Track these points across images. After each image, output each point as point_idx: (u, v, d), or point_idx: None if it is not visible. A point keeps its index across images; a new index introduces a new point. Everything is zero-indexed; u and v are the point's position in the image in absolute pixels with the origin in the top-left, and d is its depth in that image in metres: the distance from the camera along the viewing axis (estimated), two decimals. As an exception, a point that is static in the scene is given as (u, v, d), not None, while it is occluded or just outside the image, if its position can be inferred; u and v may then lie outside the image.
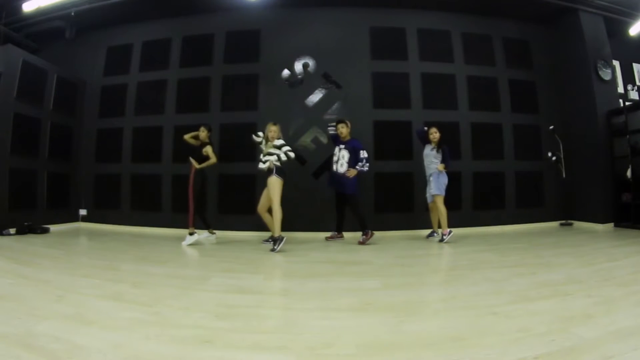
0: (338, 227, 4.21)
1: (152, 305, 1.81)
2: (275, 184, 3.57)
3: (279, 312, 1.84)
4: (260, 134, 3.83)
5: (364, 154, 3.91)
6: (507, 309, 1.70)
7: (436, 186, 3.96)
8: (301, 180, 4.73)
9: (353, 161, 3.92)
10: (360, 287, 2.21)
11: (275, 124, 3.77)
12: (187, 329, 1.51)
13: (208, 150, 4.02)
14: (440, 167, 3.97)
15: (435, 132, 4.07)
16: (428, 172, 4.13)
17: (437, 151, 4.04)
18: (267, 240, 3.84)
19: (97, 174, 5.45)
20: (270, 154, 3.64)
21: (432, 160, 4.07)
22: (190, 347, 1.35)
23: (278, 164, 3.62)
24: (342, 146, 4.03)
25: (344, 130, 4.06)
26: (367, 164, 3.93)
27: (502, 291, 2.03)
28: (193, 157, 4.03)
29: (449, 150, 4.06)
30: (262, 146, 3.76)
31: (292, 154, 3.71)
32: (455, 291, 2.15)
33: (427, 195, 4.15)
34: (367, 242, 3.81)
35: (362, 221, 3.87)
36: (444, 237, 3.85)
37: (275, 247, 3.40)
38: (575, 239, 4.04)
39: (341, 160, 3.98)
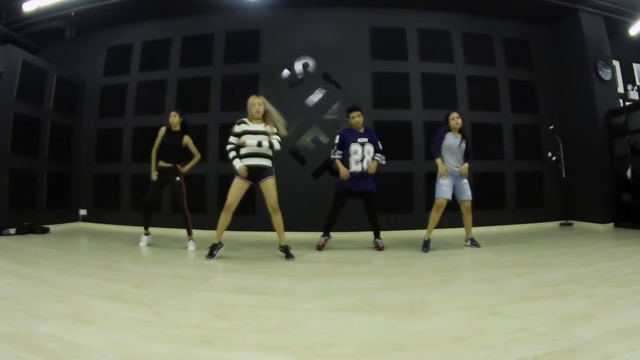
0: (330, 229, 3.63)
1: (152, 305, 1.81)
2: (274, 185, 3.14)
3: (279, 312, 1.84)
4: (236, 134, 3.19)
5: (380, 145, 3.49)
6: (507, 309, 1.70)
7: (470, 190, 3.44)
8: (301, 180, 4.73)
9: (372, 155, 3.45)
10: (360, 287, 2.22)
11: (258, 96, 3.16)
12: (187, 329, 1.51)
13: (189, 142, 3.55)
14: (465, 170, 3.36)
15: (458, 118, 3.41)
16: (453, 168, 3.40)
17: (461, 143, 3.40)
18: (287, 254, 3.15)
19: (97, 174, 5.44)
20: (266, 134, 3.04)
21: (459, 158, 3.40)
22: (190, 347, 1.35)
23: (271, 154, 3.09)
24: (365, 140, 3.43)
25: (360, 119, 3.51)
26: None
27: (502, 291, 2.03)
28: (173, 158, 3.54)
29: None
30: (238, 128, 3.16)
31: (279, 145, 3.12)
32: (455, 291, 2.15)
33: (455, 194, 3.41)
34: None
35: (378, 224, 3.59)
36: (474, 241, 3.55)
37: (291, 255, 3.09)
38: (575, 239, 4.04)
39: (367, 157, 3.40)
